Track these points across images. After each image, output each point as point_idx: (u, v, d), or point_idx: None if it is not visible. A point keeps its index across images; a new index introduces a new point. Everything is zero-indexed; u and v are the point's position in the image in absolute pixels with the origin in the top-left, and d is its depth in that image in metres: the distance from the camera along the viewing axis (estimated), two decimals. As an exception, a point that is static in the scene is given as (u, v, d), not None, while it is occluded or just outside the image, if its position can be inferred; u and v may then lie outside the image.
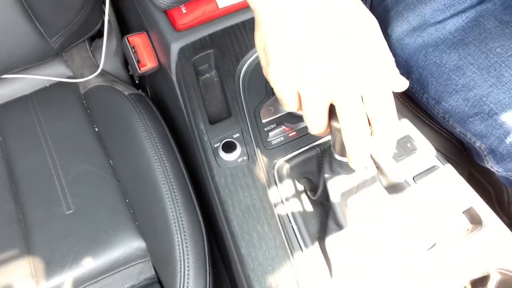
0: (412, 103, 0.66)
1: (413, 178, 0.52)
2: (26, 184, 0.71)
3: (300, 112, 0.40)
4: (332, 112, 0.37)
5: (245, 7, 0.65)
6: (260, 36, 0.38)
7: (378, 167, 0.51)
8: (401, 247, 0.48)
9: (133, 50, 0.73)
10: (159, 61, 0.73)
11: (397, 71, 0.38)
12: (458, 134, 0.60)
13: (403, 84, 0.38)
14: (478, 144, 0.58)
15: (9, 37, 0.74)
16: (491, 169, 0.59)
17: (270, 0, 0.36)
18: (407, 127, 0.56)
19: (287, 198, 0.52)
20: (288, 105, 0.39)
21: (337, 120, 0.37)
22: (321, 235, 0.49)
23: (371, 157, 0.39)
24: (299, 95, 0.38)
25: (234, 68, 0.60)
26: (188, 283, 0.61)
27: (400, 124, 0.57)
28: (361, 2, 0.37)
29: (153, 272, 0.66)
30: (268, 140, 0.55)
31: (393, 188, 0.52)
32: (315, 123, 0.38)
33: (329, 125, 0.38)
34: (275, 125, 0.56)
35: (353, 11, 0.36)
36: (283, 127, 0.55)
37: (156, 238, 0.65)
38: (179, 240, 0.62)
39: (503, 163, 0.56)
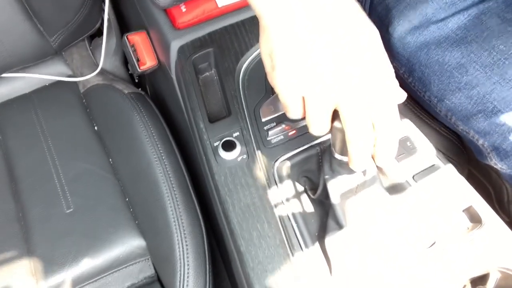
0: (412, 102, 0.65)
1: (413, 177, 0.52)
2: (26, 182, 0.71)
3: None
4: (333, 113, 0.38)
5: (245, 6, 0.65)
6: (266, 42, 0.38)
7: (378, 166, 0.51)
8: (401, 245, 0.48)
9: (132, 48, 0.73)
10: (158, 60, 0.73)
11: (397, 82, 0.38)
12: (461, 132, 0.60)
13: (401, 95, 0.38)
14: (481, 141, 0.58)
15: (8, 36, 0.74)
16: (495, 167, 0.59)
17: (275, 7, 0.36)
18: (407, 126, 0.56)
19: (287, 197, 0.52)
20: (292, 111, 0.39)
21: (338, 120, 0.37)
22: (321, 234, 0.49)
23: (371, 157, 0.39)
24: (303, 102, 0.38)
25: (234, 66, 0.60)
26: (188, 281, 0.61)
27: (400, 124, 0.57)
28: (363, 11, 0.37)
29: (153, 271, 0.66)
30: (268, 139, 0.55)
31: (393, 187, 0.52)
32: (318, 127, 0.38)
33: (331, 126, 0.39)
34: (275, 123, 0.55)
35: (356, 20, 0.36)
36: (283, 125, 0.55)
37: (156, 237, 0.65)
38: (179, 239, 0.62)
39: (507, 160, 0.56)
